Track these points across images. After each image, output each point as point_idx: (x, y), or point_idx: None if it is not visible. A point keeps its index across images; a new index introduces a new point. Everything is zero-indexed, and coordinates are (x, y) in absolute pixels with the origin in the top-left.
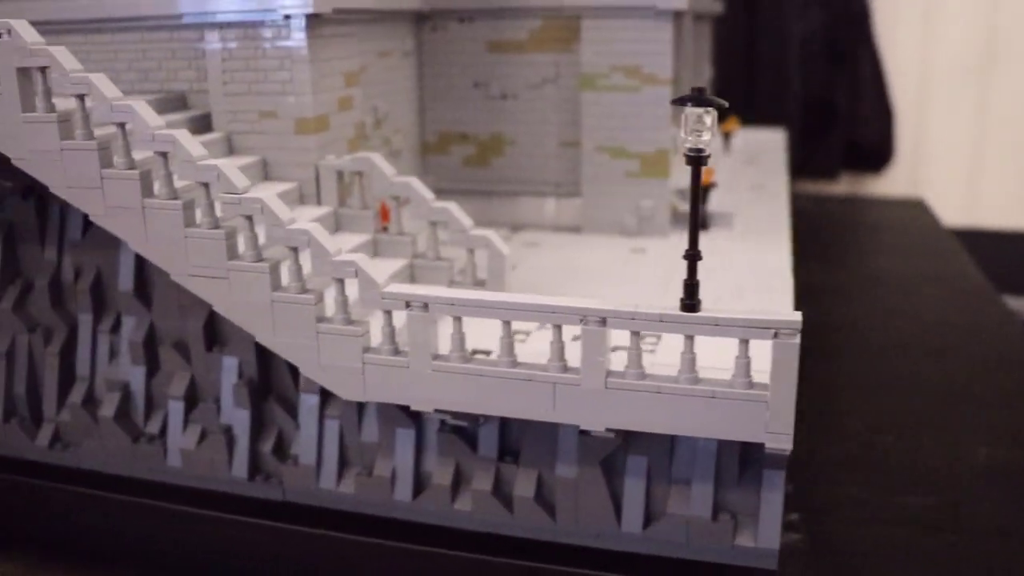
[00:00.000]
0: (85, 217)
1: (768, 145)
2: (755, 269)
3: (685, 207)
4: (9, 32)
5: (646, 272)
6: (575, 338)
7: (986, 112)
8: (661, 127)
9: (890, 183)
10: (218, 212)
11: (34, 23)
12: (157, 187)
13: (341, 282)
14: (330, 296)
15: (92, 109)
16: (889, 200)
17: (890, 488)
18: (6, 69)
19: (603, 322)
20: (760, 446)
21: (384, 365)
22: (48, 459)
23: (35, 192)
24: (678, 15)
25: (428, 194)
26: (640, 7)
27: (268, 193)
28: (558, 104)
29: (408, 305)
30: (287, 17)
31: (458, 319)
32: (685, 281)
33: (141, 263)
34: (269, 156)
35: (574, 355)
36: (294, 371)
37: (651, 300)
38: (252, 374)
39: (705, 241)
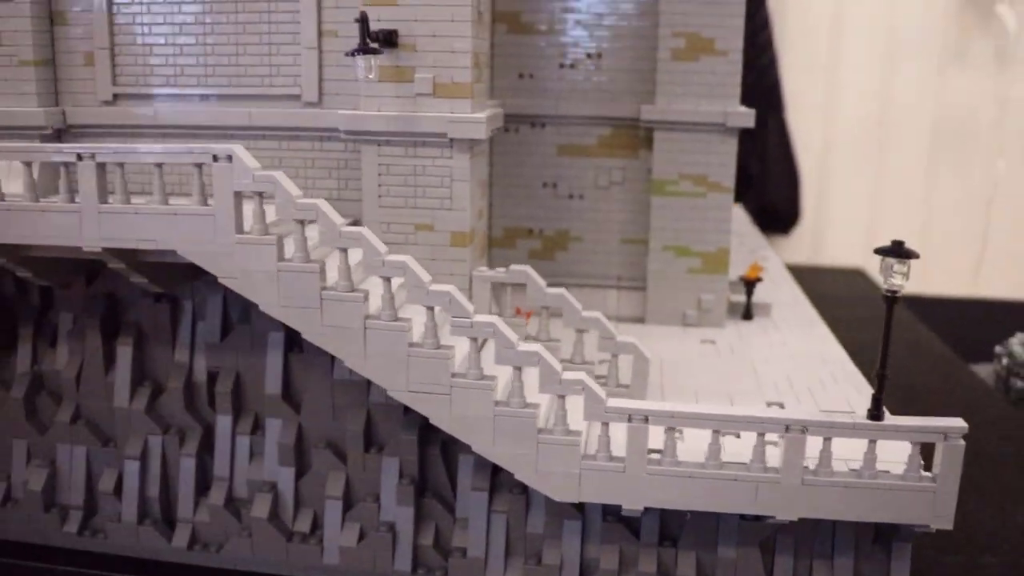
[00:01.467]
0: (224, 320)
1: None
2: (821, 360)
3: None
4: (230, 158)
5: (729, 365)
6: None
7: (883, 177)
8: (723, 229)
9: (794, 246)
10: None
11: (194, 127)
12: (375, 308)
13: (562, 397)
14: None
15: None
16: (830, 269)
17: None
18: (223, 192)
19: (804, 430)
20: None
21: (601, 470)
22: (187, 560)
23: (164, 294)
24: None
25: (577, 304)
26: (709, 123)
27: (494, 316)
28: (623, 204)
29: (630, 418)
30: (451, 140)
31: (670, 429)
32: (874, 395)
33: (287, 367)
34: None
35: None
36: (450, 468)
37: (765, 397)
38: (413, 473)
39: (757, 332)
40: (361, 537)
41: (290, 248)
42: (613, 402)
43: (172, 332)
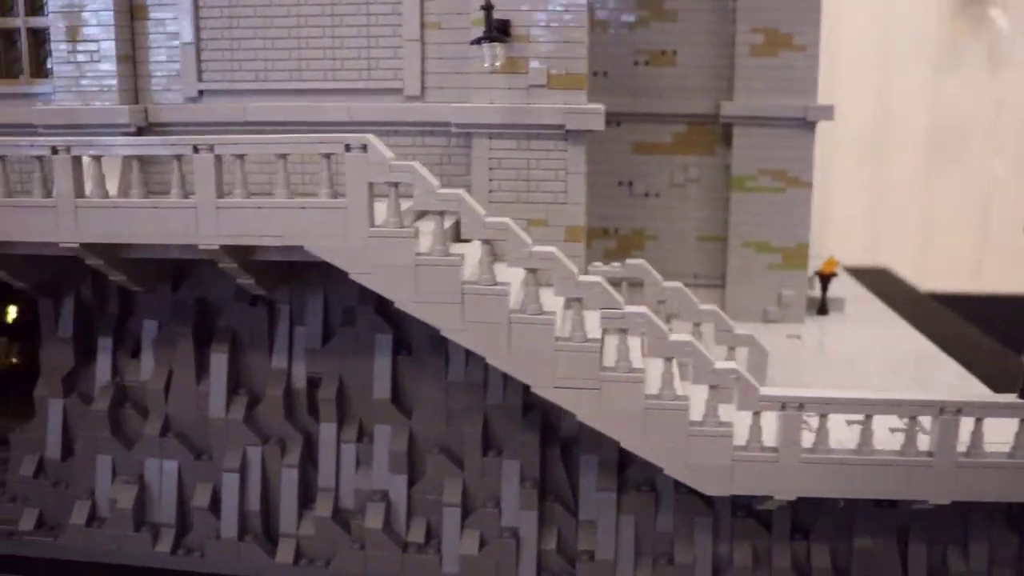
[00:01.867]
0: (325, 324)
1: None
2: (912, 350)
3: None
4: (364, 148)
5: (822, 359)
6: (850, 423)
7: (882, 179)
8: (802, 224)
9: None
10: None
11: (286, 123)
12: (521, 303)
13: (715, 387)
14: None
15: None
16: (854, 269)
17: None
18: (357, 183)
19: (958, 411)
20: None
21: (753, 461)
22: None
23: (260, 297)
24: None
25: (694, 298)
26: (789, 118)
27: (643, 308)
28: (699, 202)
29: (783, 406)
30: (567, 132)
31: (824, 416)
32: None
33: (395, 371)
34: None
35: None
36: (569, 469)
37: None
38: (535, 475)
39: (837, 326)
40: (482, 545)
41: (426, 242)
42: (767, 391)
43: (269, 337)
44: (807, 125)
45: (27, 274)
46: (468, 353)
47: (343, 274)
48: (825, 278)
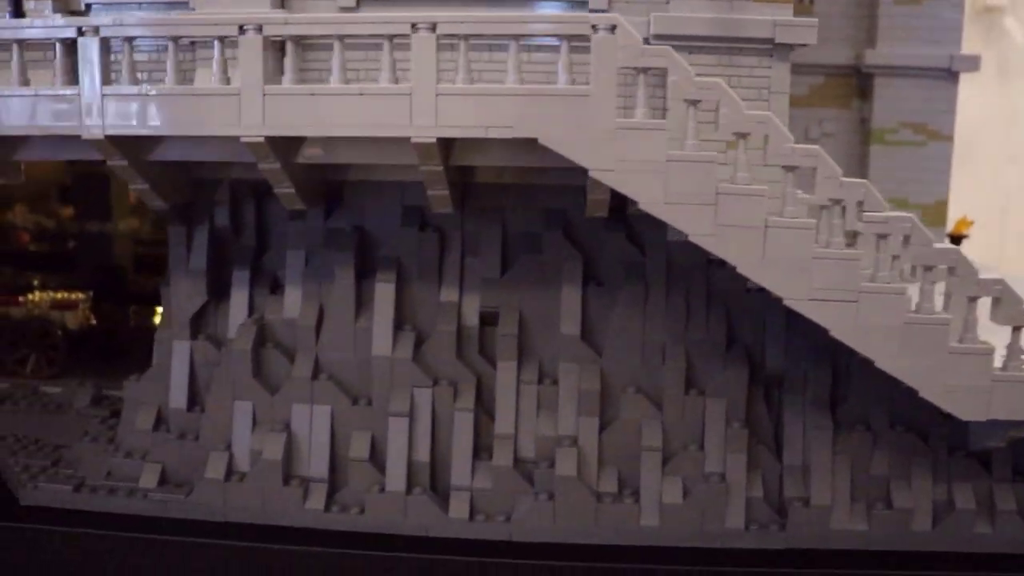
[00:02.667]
0: (503, 252)
1: None
2: None
3: None
4: (613, 29)
5: None
6: None
7: None
8: (942, 180)
9: None
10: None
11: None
12: (780, 205)
13: (973, 300)
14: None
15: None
16: None
17: None
18: (603, 69)
19: None
20: None
21: (1014, 383)
22: (467, 533)
23: (427, 223)
24: None
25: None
26: (933, 68)
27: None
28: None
29: None
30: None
31: None
32: None
33: (584, 303)
34: None
35: None
36: (771, 407)
37: None
38: (741, 416)
39: None
40: (685, 493)
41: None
42: None
43: (438, 267)
44: (951, 76)
45: (168, 190)
46: (669, 282)
47: (525, 196)
48: (956, 239)
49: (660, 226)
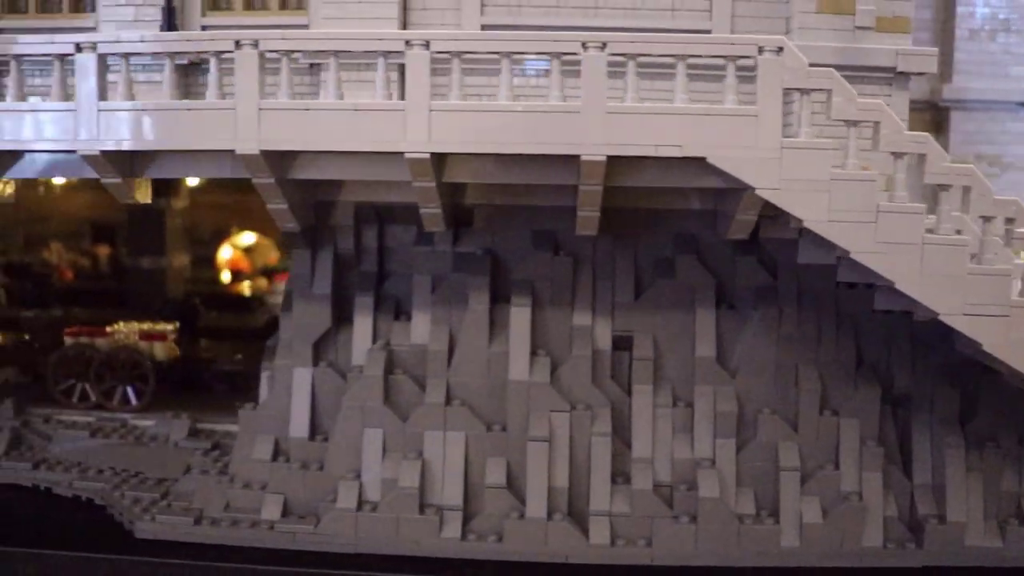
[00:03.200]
0: (637, 276)
1: None
2: None
3: None
4: (780, 50)
5: None
6: None
7: None
8: None
9: None
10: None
11: None
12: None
13: None
14: None
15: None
16: None
17: None
18: (770, 90)
19: None
20: None
21: None
22: (607, 559)
23: (559, 247)
24: None
25: None
26: (1006, 101)
27: None
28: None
29: None
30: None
31: None
32: None
33: (717, 327)
34: None
35: None
36: (896, 426)
37: None
38: (874, 434)
39: None
40: (824, 513)
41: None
42: None
43: (571, 292)
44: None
45: (302, 212)
46: (800, 304)
47: (655, 220)
48: None
49: (790, 250)
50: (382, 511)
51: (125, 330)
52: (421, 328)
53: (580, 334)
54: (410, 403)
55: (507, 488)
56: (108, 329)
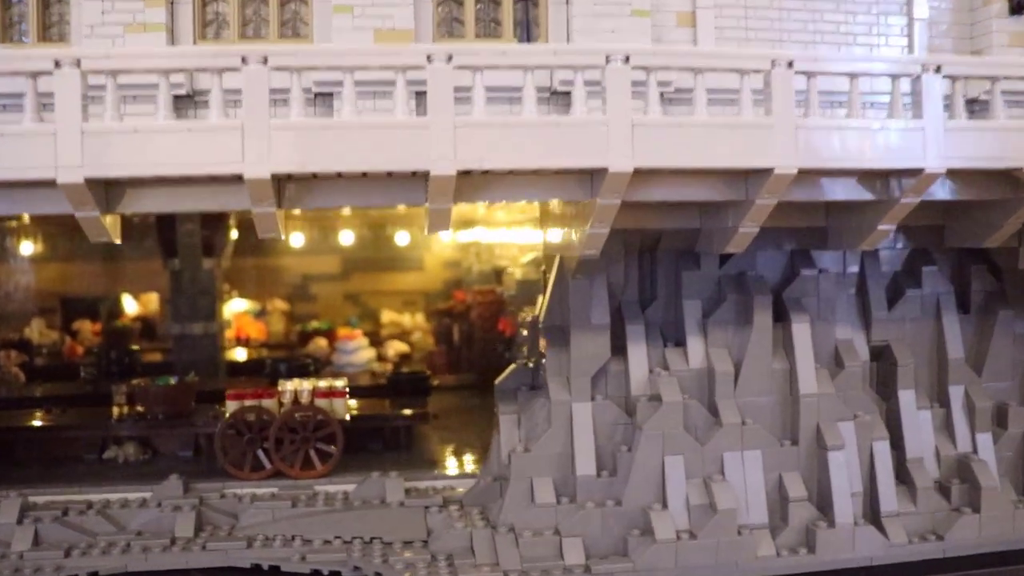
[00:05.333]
0: (889, 289)
1: None
2: None
3: None
4: None
5: None
6: None
7: None
8: None
9: None
10: None
11: None
12: None
13: None
14: None
15: None
16: None
17: None
18: None
19: None
20: None
21: None
22: (902, 557)
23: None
24: None
25: None
26: None
27: None
28: None
29: None
30: None
31: None
32: None
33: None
34: None
35: None
36: None
37: None
38: None
39: None
40: None
41: None
42: None
43: (832, 307)
44: None
45: None
46: None
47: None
48: None
49: (1012, 257)
50: (703, 537)
51: (298, 388)
52: (697, 351)
53: (845, 347)
54: (698, 427)
55: (807, 500)
56: (279, 389)
